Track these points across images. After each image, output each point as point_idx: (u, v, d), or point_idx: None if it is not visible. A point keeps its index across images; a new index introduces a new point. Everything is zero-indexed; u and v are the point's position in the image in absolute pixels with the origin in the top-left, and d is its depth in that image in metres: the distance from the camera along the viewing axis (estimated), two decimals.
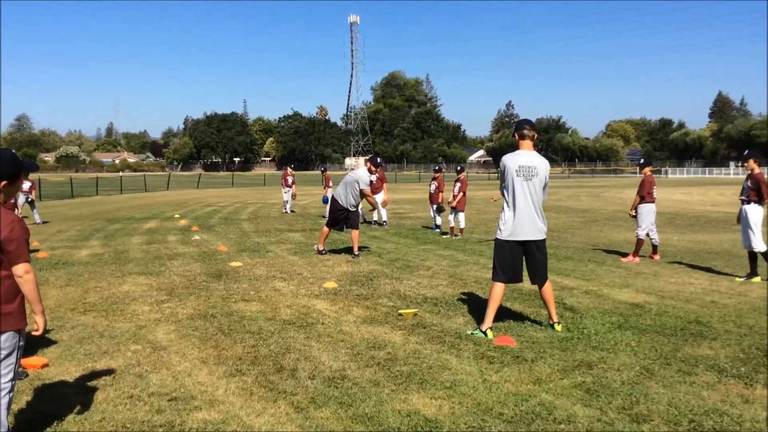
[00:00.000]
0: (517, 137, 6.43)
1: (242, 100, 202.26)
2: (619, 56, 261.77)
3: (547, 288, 6.48)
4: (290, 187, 23.35)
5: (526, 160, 6.25)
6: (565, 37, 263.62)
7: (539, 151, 6.55)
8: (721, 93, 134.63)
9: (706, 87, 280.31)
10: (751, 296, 8.11)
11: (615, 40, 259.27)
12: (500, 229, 6.37)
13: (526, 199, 6.25)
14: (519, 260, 6.39)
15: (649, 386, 4.84)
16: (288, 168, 24.18)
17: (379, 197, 17.77)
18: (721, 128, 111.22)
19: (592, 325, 6.61)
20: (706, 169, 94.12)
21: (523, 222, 6.26)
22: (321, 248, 12.16)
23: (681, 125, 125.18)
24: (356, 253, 11.64)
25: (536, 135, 6.47)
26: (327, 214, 12.51)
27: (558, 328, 6.41)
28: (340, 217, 11.87)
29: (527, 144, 6.34)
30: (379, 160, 12.97)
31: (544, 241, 6.45)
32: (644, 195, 11.38)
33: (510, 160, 6.30)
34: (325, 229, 12.29)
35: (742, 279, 9.29)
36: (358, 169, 12.21)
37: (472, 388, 4.81)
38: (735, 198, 32.22)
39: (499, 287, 6.36)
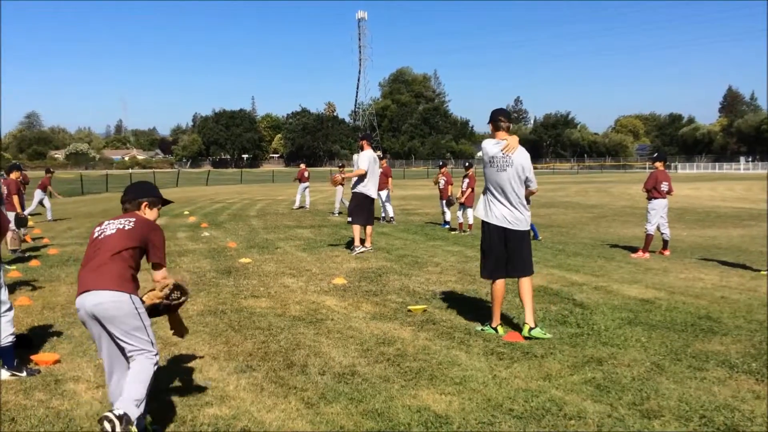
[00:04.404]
0: (492, 128, 6.34)
1: (250, 97, 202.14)
2: (627, 51, 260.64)
3: (526, 284, 6.31)
4: (304, 182, 23.27)
5: (497, 150, 6.17)
6: (573, 32, 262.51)
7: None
8: (731, 88, 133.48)
9: (715, 82, 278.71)
10: (761, 291, 8.07)
11: (623, 35, 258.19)
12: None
13: (503, 187, 6.16)
14: (501, 248, 6.31)
15: (660, 382, 4.83)
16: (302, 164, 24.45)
17: (384, 193, 17.76)
18: (731, 123, 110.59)
19: (601, 321, 6.60)
20: (716, 164, 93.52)
21: (497, 208, 6.25)
22: (369, 246, 11.85)
23: (691, 120, 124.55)
24: (355, 246, 11.60)
25: (510, 126, 6.36)
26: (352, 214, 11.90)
27: (525, 329, 6.10)
28: (370, 208, 11.73)
29: (501, 135, 6.25)
30: (372, 133, 12.83)
31: (520, 232, 6.25)
32: (648, 189, 11.37)
33: (483, 150, 6.31)
34: (369, 228, 11.86)
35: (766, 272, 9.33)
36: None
37: (482, 383, 4.82)
38: (744, 193, 32.07)
39: (498, 284, 6.38)
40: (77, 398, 4.60)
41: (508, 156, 6.11)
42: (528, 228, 6.34)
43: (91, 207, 25.75)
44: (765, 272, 9.30)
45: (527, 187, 6.28)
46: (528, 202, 6.45)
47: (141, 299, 3.94)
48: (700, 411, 4.27)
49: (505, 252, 6.27)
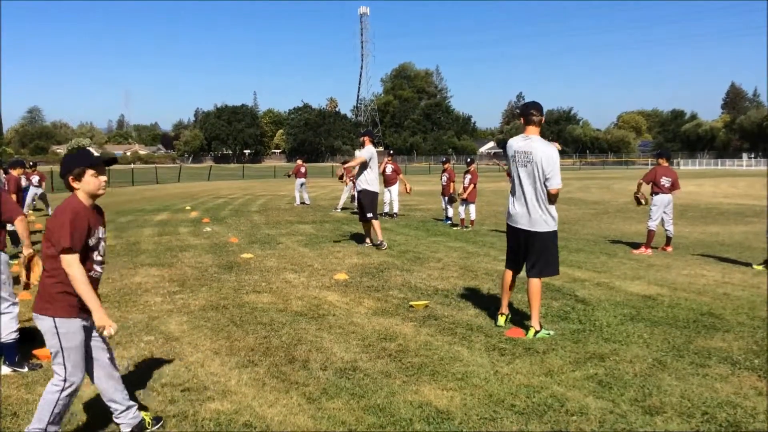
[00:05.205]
0: (522, 122, 6.11)
1: (252, 92, 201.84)
2: (630, 47, 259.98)
3: (532, 285, 6.10)
4: (300, 178, 23.23)
5: (522, 145, 6.02)
6: (576, 28, 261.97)
7: (550, 142, 6.24)
8: (733, 84, 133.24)
9: (718, 78, 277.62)
10: (763, 288, 8.05)
11: (626, 31, 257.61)
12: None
13: (522, 185, 6.03)
14: (518, 248, 6.19)
15: (662, 378, 4.82)
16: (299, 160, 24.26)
17: (395, 189, 17.77)
18: (733, 119, 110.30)
19: (604, 317, 6.59)
20: (719, 160, 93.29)
21: (516, 208, 6.14)
22: (369, 242, 11.95)
23: (693, 116, 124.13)
24: (382, 241, 11.64)
25: (542, 120, 6.07)
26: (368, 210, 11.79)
27: (530, 333, 5.97)
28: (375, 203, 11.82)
29: (531, 130, 6.02)
30: (374, 129, 12.86)
31: (542, 233, 6.04)
32: (646, 182, 11.43)
33: (508, 145, 6.19)
34: (375, 222, 11.83)
35: (761, 266, 9.33)
36: None
37: (484, 379, 4.82)
38: (747, 190, 32.00)
39: (505, 272, 6.40)
40: (79, 392, 4.59)
41: (529, 152, 5.90)
42: (552, 228, 6.04)
43: None
44: (758, 267, 9.33)
45: (546, 186, 5.93)
46: (551, 202, 6.03)
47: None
48: (702, 407, 4.27)
49: (527, 250, 6.10)
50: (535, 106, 6.07)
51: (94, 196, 3.71)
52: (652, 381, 4.77)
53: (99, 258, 3.76)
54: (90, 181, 3.66)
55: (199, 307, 7.26)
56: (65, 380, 3.60)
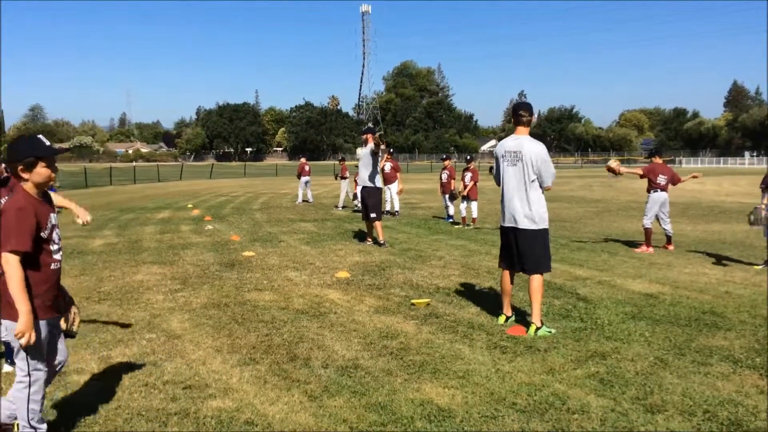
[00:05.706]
0: (513, 123, 6.27)
1: (254, 90, 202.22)
2: (632, 46, 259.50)
3: (532, 282, 6.12)
4: (305, 176, 23.18)
5: (512, 145, 6.11)
6: (577, 26, 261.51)
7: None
8: (736, 82, 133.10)
9: (720, 76, 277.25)
10: (765, 287, 8.04)
11: (628, 29, 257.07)
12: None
13: (509, 184, 6.11)
14: (510, 246, 6.24)
15: (663, 377, 4.82)
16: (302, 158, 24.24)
17: (394, 187, 17.82)
18: (735, 118, 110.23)
19: (605, 316, 6.59)
20: (721, 158, 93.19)
21: (505, 207, 6.19)
22: (370, 241, 12.07)
23: (695, 114, 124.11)
24: (382, 241, 11.66)
25: (532, 119, 6.20)
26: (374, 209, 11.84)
27: (531, 329, 5.97)
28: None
29: (521, 130, 6.14)
30: (375, 127, 12.95)
31: (529, 231, 6.06)
32: (642, 174, 11.52)
33: (499, 145, 6.28)
34: (378, 223, 11.89)
35: (760, 266, 9.32)
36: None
37: (485, 377, 4.82)
38: (749, 188, 31.94)
39: (503, 274, 6.42)
40: (81, 390, 4.61)
41: (519, 151, 5.99)
42: (541, 227, 6.05)
43: (94, 200, 25.77)
44: (758, 267, 9.33)
45: (540, 183, 6.01)
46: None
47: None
48: (703, 406, 4.27)
49: (517, 248, 6.15)
50: (525, 106, 6.20)
51: (41, 187, 3.62)
52: (654, 379, 4.77)
53: (55, 246, 3.65)
54: (41, 173, 3.55)
55: (200, 305, 7.26)
56: (28, 375, 3.57)
